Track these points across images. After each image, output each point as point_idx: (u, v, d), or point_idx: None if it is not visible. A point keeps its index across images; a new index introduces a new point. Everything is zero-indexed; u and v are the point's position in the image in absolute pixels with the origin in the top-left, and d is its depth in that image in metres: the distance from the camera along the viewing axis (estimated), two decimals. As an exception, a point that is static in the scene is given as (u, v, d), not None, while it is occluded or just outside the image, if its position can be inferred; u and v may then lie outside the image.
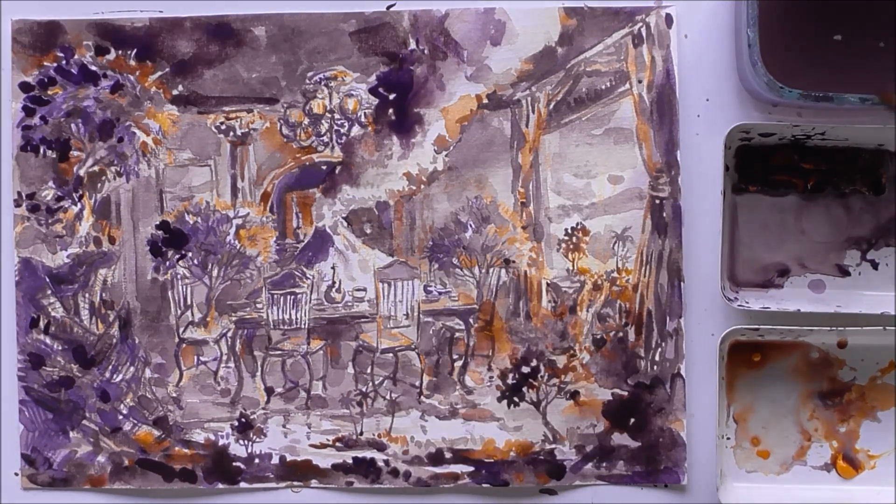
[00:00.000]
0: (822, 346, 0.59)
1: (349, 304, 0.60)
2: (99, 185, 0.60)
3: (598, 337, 0.59)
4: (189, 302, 0.60)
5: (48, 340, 0.60)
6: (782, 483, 0.60)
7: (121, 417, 0.60)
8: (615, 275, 0.59)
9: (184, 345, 0.60)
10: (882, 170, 0.58)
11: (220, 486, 0.60)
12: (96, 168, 0.60)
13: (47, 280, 0.60)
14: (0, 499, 0.61)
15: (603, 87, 0.59)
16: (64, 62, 0.60)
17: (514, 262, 0.60)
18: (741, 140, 0.58)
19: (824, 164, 0.58)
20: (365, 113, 0.60)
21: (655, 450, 0.59)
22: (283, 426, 0.60)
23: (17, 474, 0.61)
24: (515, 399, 0.60)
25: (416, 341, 0.60)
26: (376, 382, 0.60)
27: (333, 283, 0.60)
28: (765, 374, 0.60)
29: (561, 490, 0.60)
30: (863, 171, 0.58)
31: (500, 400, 0.60)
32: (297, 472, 0.60)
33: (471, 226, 0.60)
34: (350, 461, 0.60)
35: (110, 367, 0.60)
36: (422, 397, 0.60)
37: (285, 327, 0.60)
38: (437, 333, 0.60)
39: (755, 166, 0.59)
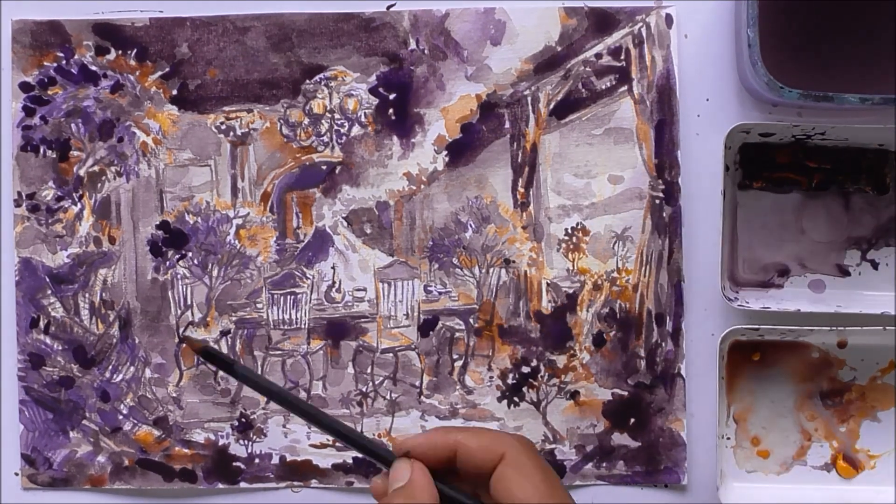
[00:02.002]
0: (822, 346, 0.59)
1: (349, 304, 0.60)
2: (99, 185, 0.60)
3: (599, 337, 0.60)
4: (189, 302, 0.60)
5: (48, 340, 0.60)
6: (782, 483, 0.60)
7: (121, 417, 0.60)
8: (615, 275, 0.59)
9: (184, 345, 0.60)
10: (886, 170, 0.58)
11: (220, 486, 0.60)
12: (96, 168, 0.60)
13: (47, 280, 0.60)
14: (0, 499, 0.61)
15: (603, 87, 0.59)
16: (64, 62, 0.60)
17: (514, 262, 0.60)
18: (743, 137, 0.58)
19: (828, 163, 0.58)
20: (365, 113, 0.60)
21: (655, 450, 0.59)
22: (283, 426, 0.60)
23: (17, 474, 0.61)
24: (515, 399, 0.60)
25: (416, 341, 0.60)
26: (376, 382, 0.60)
27: (333, 283, 0.60)
28: (765, 374, 0.60)
29: (561, 490, 0.60)
30: (867, 171, 0.58)
31: (500, 400, 0.60)
32: (298, 472, 0.60)
33: (471, 226, 0.60)
34: (350, 461, 0.60)
35: (110, 367, 0.60)
36: (422, 397, 0.60)
37: (285, 327, 0.60)
38: (437, 333, 0.60)
39: (759, 162, 0.59)
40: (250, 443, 0.60)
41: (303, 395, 0.60)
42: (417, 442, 0.46)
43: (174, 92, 0.60)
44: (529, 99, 0.59)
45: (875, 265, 0.59)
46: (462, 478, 0.46)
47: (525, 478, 0.44)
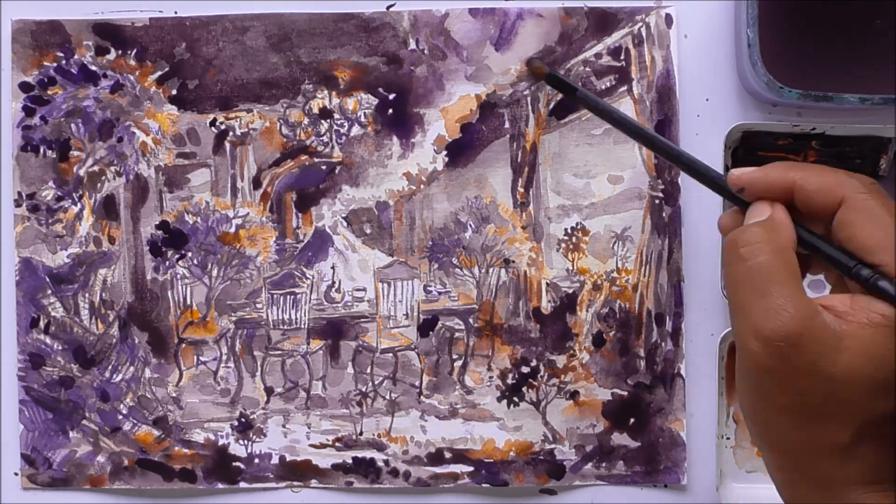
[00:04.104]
0: (823, 346, 0.59)
1: (349, 304, 0.60)
2: (99, 185, 0.60)
3: (598, 337, 0.59)
4: (189, 302, 0.60)
5: (48, 340, 0.60)
6: (782, 483, 0.60)
7: (120, 417, 0.60)
8: (615, 275, 0.59)
9: (183, 345, 0.60)
10: (883, 154, 0.58)
11: (220, 486, 0.60)
12: (96, 168, 0.60)
13: (47, 280, 0.60)
14: (0, 499, 0.61)
15: (603, 87, 0.59)
16: (64, 62, 0.60)
17: (513, 261, 0.60)
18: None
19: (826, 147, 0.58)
20: (365, 113, 0.60)
21: (655, 450, 0.59)
22: (283, 426, 0.60)
23: (17, 474, 0.61)
24: (515, 399, 0.60)
25: (415, 341, 0.60)
26: (376, 382, 0.60)
27: (333, 283, 0.60)
28: (765, 375, 0.59)
29: (561, 490, 0.60)
30: (863, 157, 0.58)
31: (499, 400, 0.60)
32: (297, 472, 0.60)
33: (470, 226, 0.60)
34: (350, 461, 0.60)
35: (110, 367, 0.60)
36: (421, 397, 0.60)
37: (285, 327, 0.60)
38: (436, 333, 0.60)
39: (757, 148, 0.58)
40: (250, 443, 0.60)
41: (302, 395, 0.60)
42: (754, 178, 0.44)
43: (173, 92, 0.60)
44: (529, 99, 0.59)
45: (875, 265, 0.59)
46: (805, 218, 0.44)
47: (872, 221, 0.41)
